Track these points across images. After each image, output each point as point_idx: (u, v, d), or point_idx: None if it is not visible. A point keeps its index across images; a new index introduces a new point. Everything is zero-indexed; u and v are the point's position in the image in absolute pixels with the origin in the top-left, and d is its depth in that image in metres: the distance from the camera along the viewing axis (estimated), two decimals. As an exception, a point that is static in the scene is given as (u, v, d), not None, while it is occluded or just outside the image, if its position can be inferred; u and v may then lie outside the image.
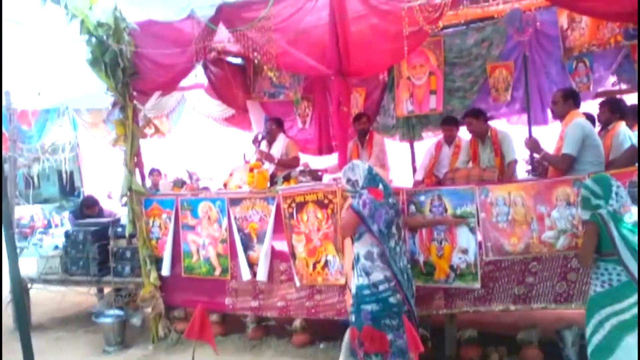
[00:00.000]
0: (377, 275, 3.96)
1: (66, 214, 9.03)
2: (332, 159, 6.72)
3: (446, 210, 4.65)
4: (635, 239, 3.23)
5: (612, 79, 6.00)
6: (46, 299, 7.40)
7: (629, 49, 5.67)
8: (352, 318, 4.13)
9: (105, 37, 5.37)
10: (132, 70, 5.55)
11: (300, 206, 5.13)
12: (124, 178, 5.71)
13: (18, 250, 6.75)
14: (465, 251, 4.59)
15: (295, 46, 5.06)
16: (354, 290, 4.10)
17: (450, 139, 6.20)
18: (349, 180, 4.17)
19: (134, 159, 5.77)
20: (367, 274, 3.98)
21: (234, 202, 5.44)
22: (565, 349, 4.43)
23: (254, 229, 5.40)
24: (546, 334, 4.60)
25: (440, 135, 6.55)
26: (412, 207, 4.79)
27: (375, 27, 4.78)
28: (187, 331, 3.26)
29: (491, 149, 5.80)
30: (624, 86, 5.98)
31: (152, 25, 5.59)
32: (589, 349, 3.33)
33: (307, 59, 5.02)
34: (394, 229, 4.05)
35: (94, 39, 5.38)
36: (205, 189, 5.96)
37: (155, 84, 5.82)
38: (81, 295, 7.18)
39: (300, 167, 5.69)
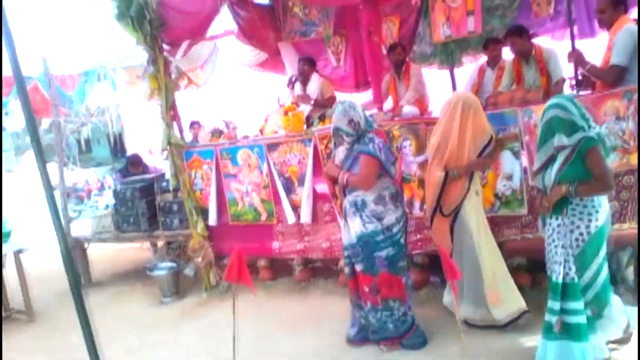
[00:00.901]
0: (390, 219, 3.89)
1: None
2: (369, 95, 6.52)
3: (489, 137, 4.45)
4: None
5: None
6: (104, 256, 7.70)
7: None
8: (361, 267, 3.96)
9: (130, -11, 5.28)
10: (158, 22, 5.48)
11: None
12: (162, 132, 5.75)
13: (76, 214, 7.07)
14: (509, 177, 4.42)
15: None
16: (356, 238, 3.93)
17: (495, 61, 5.87)
18: (351, 121, 3.84)
19: (170, 112, 5.78)
20: (380, 219, 3.87)
21: (271, 147, 5.41)
22: (621, 269, 4.26)
23: (293, 172, 5.37)
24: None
25: (481, 60, 6.23)
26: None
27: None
28: (226, 274, 3.33)
29: (536, 69, 5.47)
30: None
31: (173, -27, 5.46)
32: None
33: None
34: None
35: (117, -7, 5.31)
36: (246, 137, 5.94)
37: (183, 33, 5.73)
38: (136, 251, 7.45)
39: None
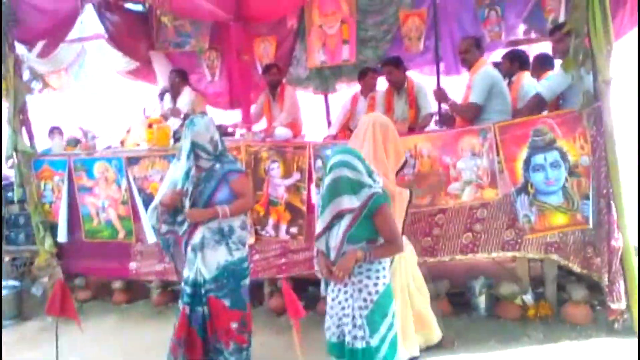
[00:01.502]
0: (246, 246, 3.65)
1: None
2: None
3: (354, 164, 4.48)
4: None
5: (523, 27, 5.93)
6: None
7: (539, -4, 5.60)
8: (228, 301, 3.44)
9: (-26, -21, 4.75)
10: (10, 17, 4.97)
11: (203, 164, 4.82)
12: (8, 138, 5.19)
13: None
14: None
15: (191, -11, 4.66)
16: (221, 269, 3.44)
17: (368, 90, 5.97)
18: (212, 139, 3.45)
19: (20, 117, 5.23)
20: (244, 244, 3.58)
21: (132, 160, 5.07)
22: (474, 298, 4.45)
23: (155, 188, 5.02)
24: (455, 285, 4.59)
25: (355, 88, 6.35)
26: (319, 162, 4.59)
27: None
28: (47, 307, 2.95)
29: (406, 101, 5.66)
30: (534, 35, 5.94)
31: (32, -34, 5.00)
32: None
33: (204, 3, 4.63)
34: None
35: (-40, -19, 4.75)
36: (109, 148, 5.54)
37: (38, 32, 5.24)
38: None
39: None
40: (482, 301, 4.39)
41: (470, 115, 4.53)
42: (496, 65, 5.47)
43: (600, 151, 3.91)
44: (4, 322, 5.28)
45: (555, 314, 4.20)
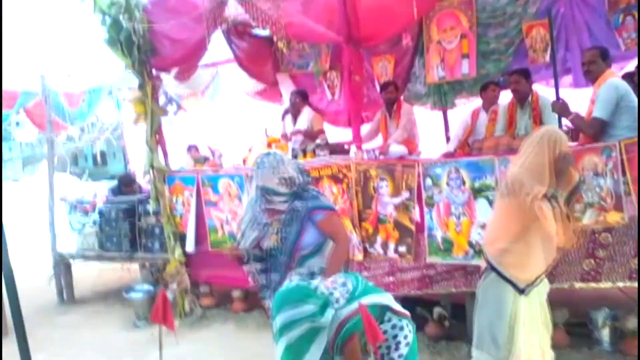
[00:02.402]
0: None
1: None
2: (364, 130, 6.47)
3: (464, 183, 4.36)
4: None
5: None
6: (88, 274, 7.67)
7: (685, -3, 5.04)
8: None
9: (118, 15, 5.34)
10: (147, 47, 5.54)
11: (316, 181, 4.97)
12: (145, 156, 5.76)
13: (80, 226, 7.09)
14: (484, 226, 4.28)
15: (304, 14, 4.85)
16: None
17: (491, 103, 5.77)
18: (282, 179, 3.12)
19: (155, 137, 5.78)
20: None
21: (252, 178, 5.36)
22: (596, 330, 4.09)
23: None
24: (575, 315, 4.25)
25: (474, 103, 6.16)
26: (429, 181, 4.52)
27: (383, -10, 4.49)
28: (152, 315, 3.20)
29: (530, 115, 5.37)
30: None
31: (165, 0, 5.52)
32: None
33: (317, 27, 4.80)
34: None
35: (107, 18, 5.38)
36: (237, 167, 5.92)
37: (171, 60, 5.77)
38: (122, 271, 7.40)
39: (318, 141, 5.51)
40: (605, 334, 4.03)
41: (593, 131, 4.18)
42: (631, 74, 5.04)
43: None
44: (137, 323, 5.82)
45: (692, 354, 3.72)
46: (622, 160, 3.79)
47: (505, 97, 5.76)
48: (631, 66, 5.31)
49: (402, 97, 6.30)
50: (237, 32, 6.60)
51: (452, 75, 6.08)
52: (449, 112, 6.63)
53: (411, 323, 2.96)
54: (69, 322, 6.18)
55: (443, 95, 6.41)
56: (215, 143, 6.38)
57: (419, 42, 6.26)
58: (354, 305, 2.71)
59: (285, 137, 6.23)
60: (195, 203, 5.72)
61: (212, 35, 5.28)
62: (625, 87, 4.19)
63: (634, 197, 3.77)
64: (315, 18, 4.87)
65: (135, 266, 6.85)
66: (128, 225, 6.31)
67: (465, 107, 6.34)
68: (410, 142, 5.96)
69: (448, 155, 5.79)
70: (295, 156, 5.54)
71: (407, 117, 6.00)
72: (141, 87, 5.67)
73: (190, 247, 5.80)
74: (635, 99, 4.23)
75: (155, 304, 3.11)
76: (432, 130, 6.59)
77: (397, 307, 2.96)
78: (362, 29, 4.64)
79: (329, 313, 2.71)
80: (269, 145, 5.50)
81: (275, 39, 5.02)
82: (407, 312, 2.97)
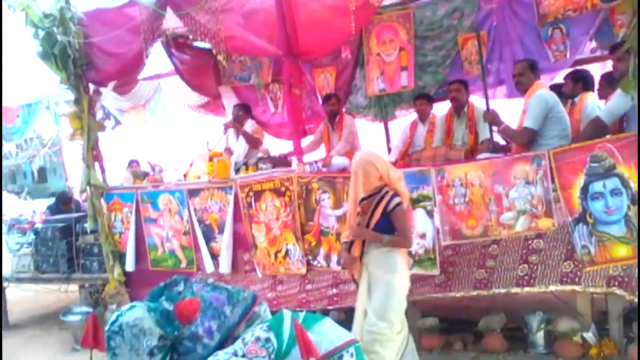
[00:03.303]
0: None
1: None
2: (306, 142, 6.49)
3: (403, 194, 4.42)
4: None
5: (591, 45, 5.63)
6: (36, 295, 7.36)
7: (607, 12, 5.29)
8: None
9: (52, 28, 5.19)
10: (83, 61, 5.40)
11: (258, 195, 4.96)
12: (82, 173, 5.59)
13: (18, 246, 6.79)
14: (423, 236, 4.37)
15: (244, 28, 4.85)
16: None
17: (423, 116, 5.91)
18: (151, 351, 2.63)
19: (93, 153, 5.63)
20: None
21: (193, 193, 5.29)
22: (530, 334, 4.21)
23: (214, 219, 5.25)
24: (511, 320, 4.37)
25: (414, 113, 6.28)
26: (405, 191, 4.54)
27: (321, 4, 4.54)
28: (82, 340, 3.08)
29: (466, 126, 5.53)
30: (603, 53, 5.61)
31: (102, 13, 5.42)
32: None
33: (256, 41, 4.81)
34: None
35: (40, 31, 5.21)
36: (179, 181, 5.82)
37: (109, 74, 5.63)
38: (59, 293, 7.13)
39: (260, 154, 5.49)
40: (540, 337, 4.15)
41: (524, 140, 4.34)
42: (559, 86, 5.25)
43: (666, 177, 3.62)
44: (76, 346, 5.62)
45: (621, 353, 3.88)
46: (551, 168, 3.94)
47: (440, 108, 5.92)
48: (559, 77, 5.53)
49: (343, 109, 6.36)
50: (177, 44, 6.53)
51: (392, 87, 6.19)
52: (390, 124, 6.72)
53: (355, 345, 2.84)
54: (4, 348, 5.90)
55: (383, 106, 6.50)
56: (156, 158, 6.25)
57: (360, 55, 6.35)
58: None
59: (228, 151, 6.18)
60: (135, 220, 5.59)
61: (152, 47, 5.20)
62: (554, 98, 4.37)
63: (563, 204, 3.92)
64: (255, 31, 4.87)
65: (73, 287, 6.62)
66: (65, 244, 6.10)
67: (406, 118, 6.44)
68: (352, 153, 5.97)
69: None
70: (237, 170, 5.51)
71: (349, 129, 6.05)
72: (77, 101, 5.51)
73: (130, 266, 5.67)
74: (563, 109, 4.43)
75: (86, 327, 2.99)
76: (373, 141, 6.66)
77: (340, 341, 2.77)
78: (301, 42, 4.68)
79: None
80: (211, 159, 5.43)
81: (214, 51, 4.98)
82: (350, 339, 2.78)
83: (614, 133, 4.09)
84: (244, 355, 2.47)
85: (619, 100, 3.88)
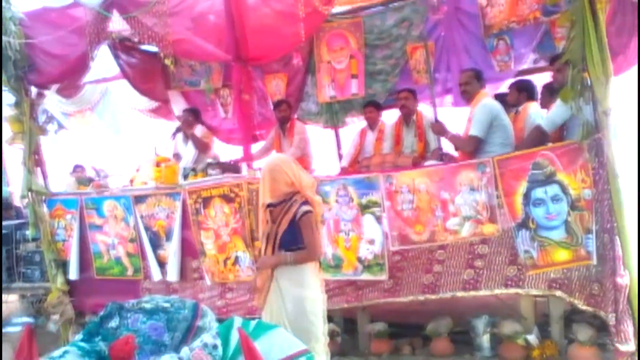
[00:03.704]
0: None
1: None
2: (257, 148, 6.45)
3: (352, 200, 4.46)
4: None
5: (533, 56, 5.83)
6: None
7: (548, 25, 5.49)
8: None
9: (-10, 28, 5.00)
10: (24, 63, 5.21)
11: (207, 201, 4.89)
12: (23, 178, 5.39)
13: None
14: (372, 242, 4.41)
15: (192, 32, 4.79)
16: None
17: (372, 123, 5.98)
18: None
19: (34, 157, 5.43)
20: None
21: (139, 199, 5.17)
22: (477, 337, 4.30)
23: (161, 226, 5.15)
24: (457, 323, 4.45)
25: (364, 121, 6.35)
26: (318, 198, 4.56)
27: (271, 10, 4.54)
28: (16, 354, 2.94)
29: (415, 134, 5.64)
30: (545, 63, 5.82)
31: (45, 14, 5.26)
32: None
33: (205, 45, 4.76)
34: None
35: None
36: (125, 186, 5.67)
37: (52, 77, 5.46)
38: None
39: (209, 160, 5.43)
40: (485, 340, 4.24)
41: (470, 148, 4.45)
42: (503, 95, 5.41)
43: (603, 184, 3.76)
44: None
45: (562, 354, 4.00)
46: (495, 175, 4.04)
47: (389, 116, 6.01)
48: (504, 87, 5.69)
49: (295, 116, 6.37)
50: (124, 47, 6.38)
51: (342, 95, 6.25)
52: (341, 130, 6.77)
53: (308, 355, 2.80)
54: None
55: (334, 113, 6.54)
56: (102, 163, 6.09)
57: (311, 62, 6.37)
58: None
59: (176, 156, 6.08)
60: (79, 227, 5.43)
61: (98, 50, 5.07)
62: (498, 107, 4.51)
63: (506, 210, 4.02)
64: (204, 36, 4.83)
65: (13, 297, 6.35)
66: (5, 252, 5.85)
67: (356, 125, 6.49)
68: (303, 160, 6.01)
69: (344, 171, 5.97)
70: (186, 176, 5.41)
71: (300, 136, 6.06)
72: (18, 104, 5.31)
73: (73, 274, 5.49)
74: (506, 118, 4.56)
75: (20, 340, 2.86)
76: (324, 148, 6.70)
77: (291, 350, 2.73)
78: (250, 47, 4.67)
79: None
80: (158, 164, 5.33)
81: (162, 55, 4.90)
82: (303, 349, 2.75)
83: (554, 141, 4.23)
84: None
85: (559, 109, 4.02)
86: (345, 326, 4.80)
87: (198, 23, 4.80)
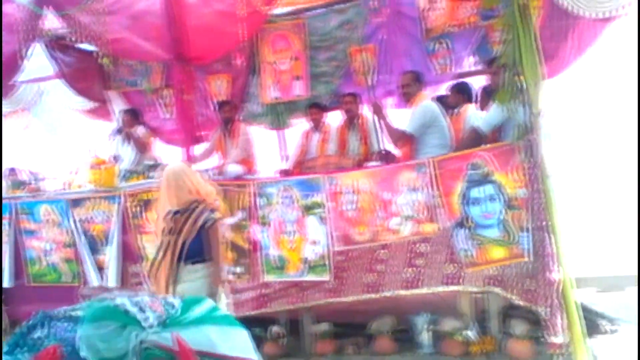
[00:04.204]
0: None
1: None
2: (200, 149, 6.35)
3: (296, 201, 4.46)
4: None
5: (472, 59, 5.98)
6: None
7: (485, 29, 5.63)
8: None
9: None
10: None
11: (147, 204, 4.78)
12: (-51, 181, 5.12)
13: None
14: (315, 242, 4.43)
15: (131, 31, 4.67)
16: None
17: (317, 125, 5.99)
18: None
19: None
20: None
21: (76, 202, 5.01)
22: (418, 335, 4.37)
23: (100, 230, 5.00)
24: (399, 322, 4.51)
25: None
26: (262, 200, 4.55)
27: (212, 10, 4.48)
28: None
29: (359, 137, 5.69)
30: (483, 67, 5.97)
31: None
32: None
33: (144, 44, 4.65)
34: None
35: None
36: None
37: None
38: None
39: (150, 162, 5.31)
40: (426, 338, 4.31)
41: (400, 141, 4.60)
42: (443, 97, 5.54)
43: (536, 183, 3.90)
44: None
45: (499, 349, 4.13)
46: (434, 175, 4.13)
47: (334, 118, 6.04)
48: (444, 89, 5.82)
49: (239, 117, 6.31)
50: (60, 46, 6.16)
51: (286, 96, 6.24)
52: (286, 132, 6.74)
53: None
54: None
55: (279, 115, 6.51)
56: (37, 165, 5.85)
57: (254, 62, 6.33)
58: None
59: (115, 158, 5.91)
60: (13, 233, 5.20)
61: (32, 48, 4.87)
62: (437, 109, 4.62)
63: (445, 209, 4.12)
64: (143, 35, 4.72)
65: None
66: None
67: (301, 126, 6.49)
68: (247, 161, 5.98)
69: (284, 173, 5.95)
70: (125, 178, 5.28)
71: (244, 137, 6.00)
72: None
73: (7, 282, 5.25)
74: (444, 120, 4.67)
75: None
76: (269, 149, 6.66)
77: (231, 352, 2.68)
78: (191, 47, 4.59)
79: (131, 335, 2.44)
80: (96, 166, 5.16)
81: (99, 54, 4.76)
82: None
83: (491, 143, 4.35)
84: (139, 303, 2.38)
85: (495, 111, 4.15)
86: (290, 328, 4.78)
87: (137, 22, 4.68)
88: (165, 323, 2.45)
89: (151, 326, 2.36)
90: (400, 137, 4.55)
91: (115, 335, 2.29)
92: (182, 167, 3.49)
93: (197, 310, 2.56)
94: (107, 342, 2.28)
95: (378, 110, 4.81)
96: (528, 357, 3.99)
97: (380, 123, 4.86)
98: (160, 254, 3.26)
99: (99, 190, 4.96)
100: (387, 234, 4.24)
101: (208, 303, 2.59)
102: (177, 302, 2.54)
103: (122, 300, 2.38)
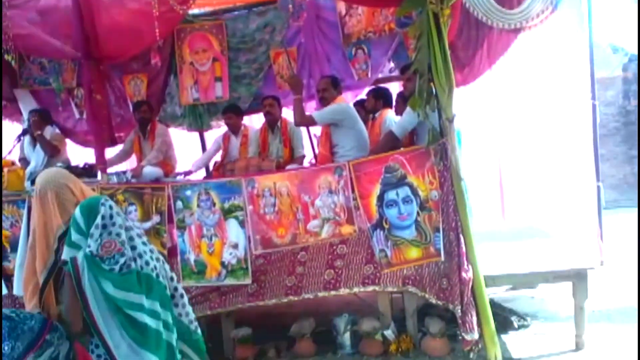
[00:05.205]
0: None
1: None
2: (115, 152, 6.14)
3: (214, 204, 4.41)
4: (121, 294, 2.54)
5: (389, 65, 6.13)
6: None
7: (402, 36, 5.80)
8: None
9: None
10: None
11: (56, 208, 4.54)
12: None
13: None
14: (235, 246, 4.39)
15: (39, 26, 4.45)
16: None
17: (234, 129, 5.95)
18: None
19: None
20: None
21: (-22, 208, 4.70)
22: (339, 336, 4.42)
23: (5, 237, 4.72)
24: (321, 323, 4.55)
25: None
26: (179, 203, 4.46)
27: (124, 8, 4.35)
28: None
29: (280, 140, 5.71)
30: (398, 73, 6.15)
31: None
32: None
33: (52, 41, 4.44)
34: None
35: None
36: None
37: None
38: None
39: (60, 164, 5.08)
40: (347, 339, 4.37)
41: (303, 123, 4.88)
42: (361, 102, 5.66)
43: (448, 185, 4.05)
44: None
45: (416, 347, 4.25)
46: (351, 178, 4.21)
47: (256, 120, 6.03)
48: (363, 94, 5.94)
49: (157, 118, 6.15)
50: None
51: (206, 98, 6.16)
52: (207, 134, 6.65)
53: None
54: None
55: (198, 116, 6.38)
56: None
57: (173, 63, 6.20)
58: None
59: (23, 160, 5.61)
60: None
61: None
62: (351, 111, 4.77)
63: (362, 211, 4.20)
64: (51, 31, 4.52)
65: None
66: None
67: (222, 129, 6.42)
68: (166, 164, 5.85)
69: (188, 172, 5.88)
70: (33, 181, 5.01)
71: (161, 138, 5.85)
72: None
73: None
74: (361, 123, 4.78)
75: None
76: (189, 151, 6.55)
77: None
78: (102, 45, 4.43)
79: None
80: (1, 169, 4.88)
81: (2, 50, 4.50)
82: None
83: (406, 146, 4.49)
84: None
85: (408, 116, 4.28)
86: (209, 333, 4.70)
87: (45, 17, 4.47)
88: None
89: None
90: (305, 120, 4.75)
91: None
92: (61, 175, 2.83)
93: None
94: None
95: (297, 83, 4.90)
96: (444, 354, 4.13)
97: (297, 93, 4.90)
98: (43, 277, 2.79)
99: (6, 194, 4.68)
100: (306, 236, 4.28)
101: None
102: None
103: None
